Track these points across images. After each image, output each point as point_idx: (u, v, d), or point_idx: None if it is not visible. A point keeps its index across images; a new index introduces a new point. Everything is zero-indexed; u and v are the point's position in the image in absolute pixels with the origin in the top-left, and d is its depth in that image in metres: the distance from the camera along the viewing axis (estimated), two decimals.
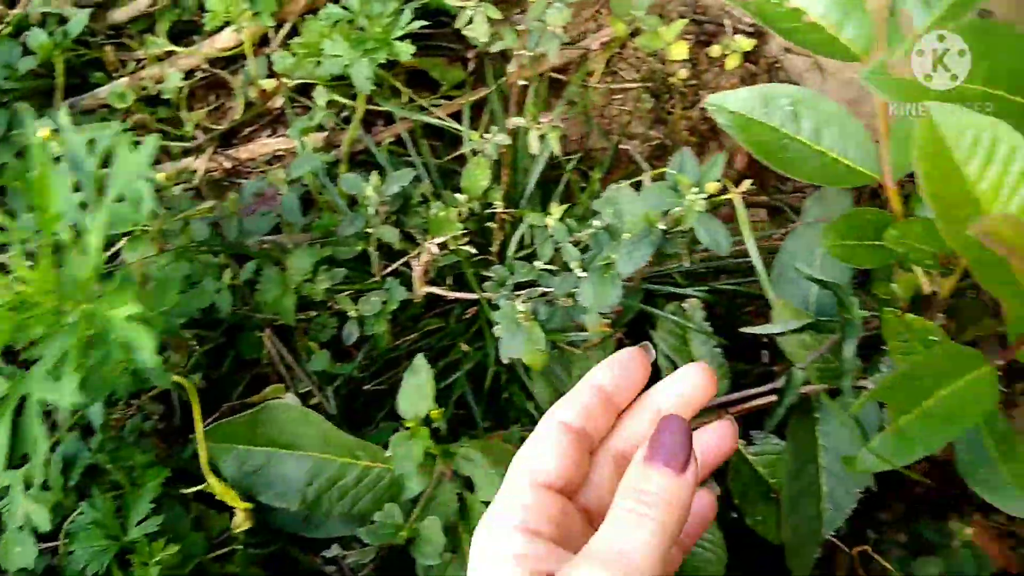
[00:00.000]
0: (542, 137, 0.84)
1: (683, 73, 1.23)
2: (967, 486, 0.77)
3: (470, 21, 0.80)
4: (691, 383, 0.50)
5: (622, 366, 0.50)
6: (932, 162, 0.58)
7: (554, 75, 1.23)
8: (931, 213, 0.58)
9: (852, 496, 0.83)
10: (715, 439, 0.52)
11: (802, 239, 0.87)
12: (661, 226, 0.71)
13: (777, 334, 0.79)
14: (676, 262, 0.94)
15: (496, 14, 0.81)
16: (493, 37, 0.95)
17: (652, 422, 0.47)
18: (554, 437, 0.48)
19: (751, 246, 0.75)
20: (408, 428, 0.78)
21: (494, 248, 1.02)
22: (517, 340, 0.78)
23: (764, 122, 0.79)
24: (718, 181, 0.69)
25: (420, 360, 0.79)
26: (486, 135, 0.91)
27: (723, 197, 0.71)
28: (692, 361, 0.89)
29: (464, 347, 0.93)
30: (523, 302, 0.77)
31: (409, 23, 1.00)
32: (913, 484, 0.94)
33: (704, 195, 0.68)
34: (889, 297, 0.83)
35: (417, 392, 0.77)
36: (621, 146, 1.18)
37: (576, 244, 0.86)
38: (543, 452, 0.48)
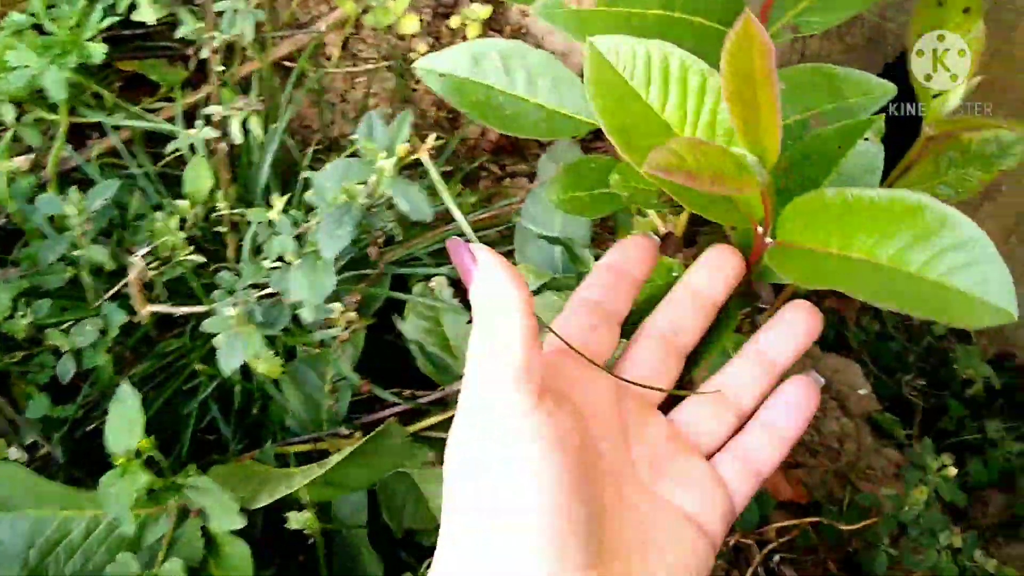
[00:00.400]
0: (244, 123, 0.76)
1: (423, 47, 1.18)
2: None
3: (133, 6, 0.71)
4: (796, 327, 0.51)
5: (629, 245, 0.53)
6: (609, 94, 0.54)
7: (289, 63, 1.15)
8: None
9: None
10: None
11: (540, 199, 0.84)
12: (363, 200, 0.65)
13: None
14: (423, 240, 0.88)
15: None
16: (199, 32, 0.87)
17: (693, 308, 0.52)
18: (571, 307, 0.51)
19: (453, 208, 0.69)
20: (118, 465, 0.69)
21: (231, 253, 0.93)
22: (236, 349, 0.71)
23: (477, 80, 0.74)
24: (407, 143, 0.64)
25: (125, 388, 0.71)
26: (191, 131, 0.82)
27: (412, 158, 0.65)
28: (447, 341, 0.84)
29: (200, 366, 0.84)
30: (233, 306, 0.70)
31: (101, 22, 0.91)
32: None
33: (394, 159, 0.63)
34: None
35: (125, 424, 0.68)
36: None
37: (304, 235, 0.79)
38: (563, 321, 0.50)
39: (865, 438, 1.02)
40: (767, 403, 0.50)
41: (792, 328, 0.51)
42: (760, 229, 0.53)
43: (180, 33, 0.77)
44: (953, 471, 0.79)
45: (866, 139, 0.59)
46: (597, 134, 0.78)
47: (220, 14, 0.81)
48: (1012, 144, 0.66)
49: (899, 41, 1.00)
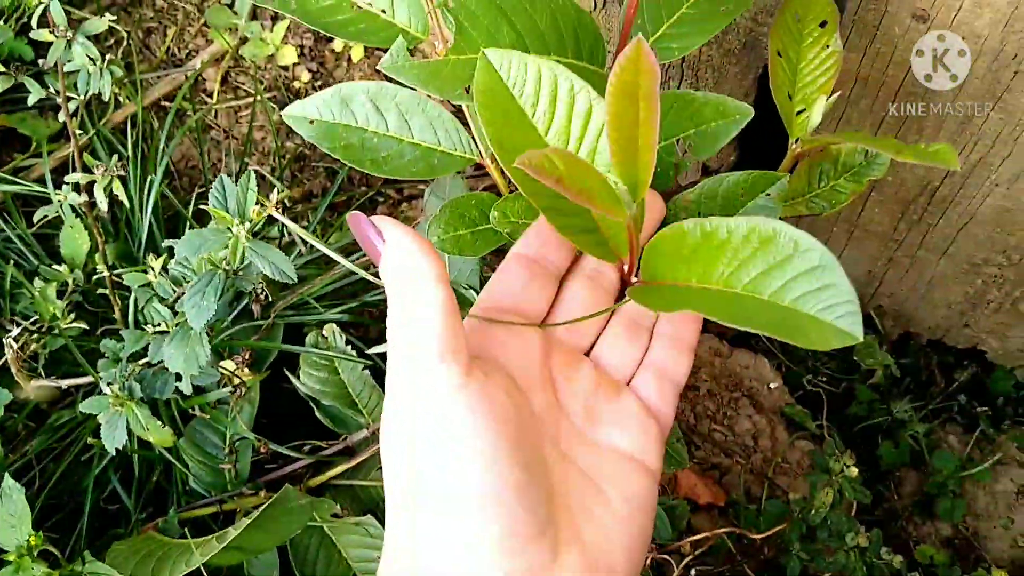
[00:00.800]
0: (106, 189, 0.73)
1: (305, 76, 1.15)
2: None
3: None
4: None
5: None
6: (495, 107, 0.52)
7: (167, 104, 1.12)
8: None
9: None
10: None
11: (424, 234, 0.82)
12: (225, 267, 0.63)
13: None
14: (310, 286, 0.86)
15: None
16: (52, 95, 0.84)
17: None
18: (506, 263, 0.52)
19: (330, 253, 0.68)
20: (12, 562, 0.66)
21: (117, 315, 0.90)
22: (120, 428, 0.68)
23: (348, 124, 0.73)
24: (259, 205, 0.62)
25: (9, 483, 0.68)
26: (58, 194, 0.79)
27: (265, 215, 0.63)
28: (346, 390, 0.83)
29: (92, 440, 0.82)
30: (109, 384, 0.67)
31: None
32: None
33: (248, 224, 0.61)
34: None
35: (13, 520, 0.66)
36: (254, 167, 1.09)
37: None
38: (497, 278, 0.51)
39: (779, 432, 1.03)
40: (662, 316, 0.52)
41: None
42: (626, 268, 0.53)
43: (31, 100, 0.73)
44: (855, 471, 0.81)
45: (767, 194, 0.60)
46: (479, 167, 0.77)
47: (75, 72, 0.77)
48: (877, 155, 0.67)
49: None
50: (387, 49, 0.60)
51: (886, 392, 1.07)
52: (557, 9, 0.58)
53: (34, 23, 0.72)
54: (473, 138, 0.74)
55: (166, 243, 0.66)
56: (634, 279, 0.53)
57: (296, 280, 0.62)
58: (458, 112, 0.76)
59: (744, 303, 0.44)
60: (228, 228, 0.61)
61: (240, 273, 0.63)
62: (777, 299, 0.43)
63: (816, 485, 0.82)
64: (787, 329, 0.42)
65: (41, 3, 0.73)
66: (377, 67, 0.61)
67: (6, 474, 0.68)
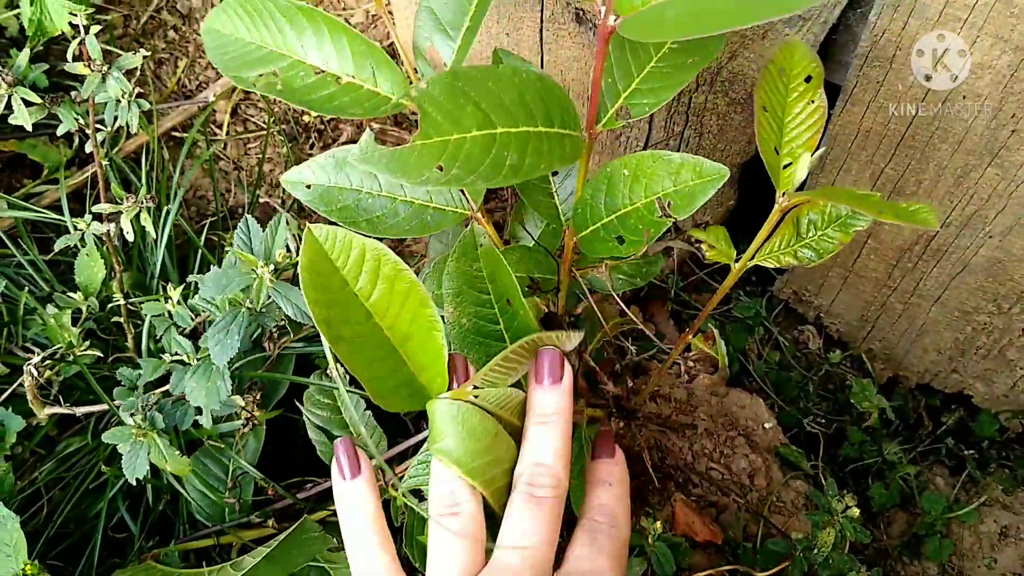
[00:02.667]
0: (136, 220, 0.74)
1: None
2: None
3: (10, 111, 0.69)
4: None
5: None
6: (319, 276, 0.54)
7: (177, 134, 1.13)
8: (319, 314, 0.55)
9: None
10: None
11: (425, 282, 0.84)
12: (248, 306, 0.64)
13: None
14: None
15: (34, 98, 0.70)
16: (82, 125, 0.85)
17: None
18: None
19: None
20: None
21: (130, 343, 0.91)
22: (141, 458, 0.69)
23: (343, 187, 0.73)
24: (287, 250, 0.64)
25: (3, 512, 0.68)
26: (79, 226, 0.80)
27: (293, 260, 0.65)
28: (348, 429, 0.84)
29: (106, 468, 0.82)
30: (133, 415, 0.68)
31: None
32: None
33: (272, 266, 0.62)
34: None
35: (7, 549, 0.66)
36: (263, 199, 1.10)
37: (207, 324, 0.78)
38: None
39: (774, 471, 1.05)
40: None
41: None
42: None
43: (61, 131, 0.74)
44: (856, 512, 0.83)
45: None
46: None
47: (103, 105, 0.79)
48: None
49: None
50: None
51: (877, 434, 1.10)
52: (521, 83, 0.57)
53: (69, 56, 0.73)
54: (464, 193, 0.75)
55: (190, 279, 0.68)
56: None
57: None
58: None
59: None
60: (253, 269, 0.62)
61: (262, 310, 0.64)
62: None
63: (818, 524, 0.84)
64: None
65: (76, 36, 0.75)
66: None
67: (0, 503, 0.68)
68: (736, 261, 0.74)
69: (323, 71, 0.60)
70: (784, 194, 0.67)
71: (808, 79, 0.70)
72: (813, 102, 0.70)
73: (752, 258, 0.72)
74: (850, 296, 1.08)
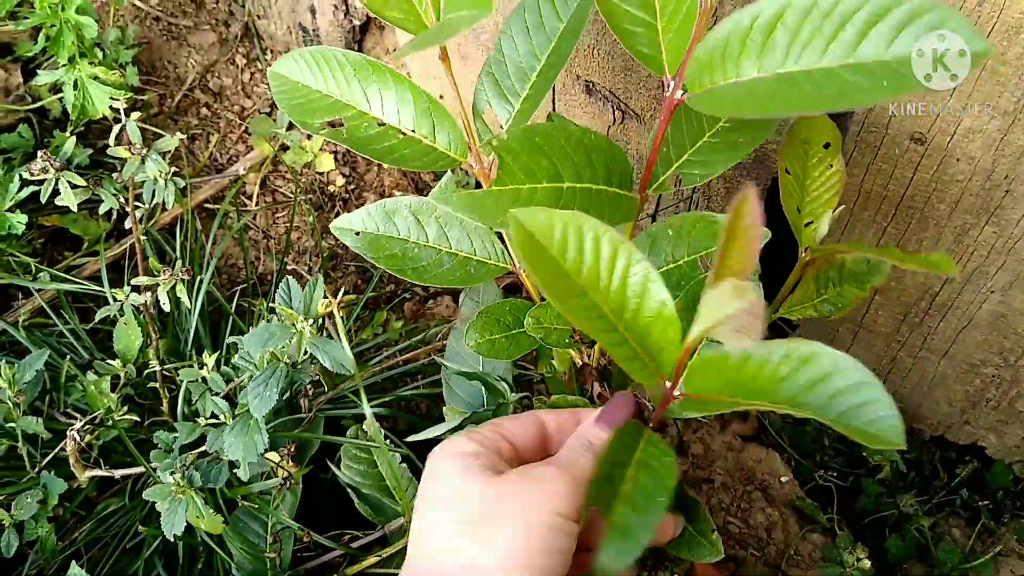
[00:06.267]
0: (172, 291, 0.79)
1: (340, 180, 1.22)
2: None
3: (56, 193, 0.74)
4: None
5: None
6: (533, 259, 0.58)
7: (209, 206, 1.19)
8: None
9: None
10: None
11: (460, 335, 0.88)
12: (287, 360, 0.68)
13: (439, 436, 0.78)
14: (350, 381, 0.91)
15: (80, 181, 0.75)
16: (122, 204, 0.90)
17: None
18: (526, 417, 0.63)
19: (344, 353, 0.73)
20: None
21: (165, 407, 0.95)
22: (179, 515, 0.73)
23: (391, 236, 0.78)
24: (324, 299, 0.68)
25: (75, 571, 0.72)
26: (118, 297, 0.85)
27: (330, 310, 0.69)
28: (383, 482, 0.87)
29: (142, 528, 0.86)
30: (171, 473, 0.72)
31: (18, 192, 0.93)
32: None
33: (311, 320, 0.66)
34: (551, 373, 0.85)
35: None
36: (291, 266, 1.15)
37: (237, 390, 0.82)
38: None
39: (791, 525, 1.07)
40: None
41: None
42: (668, 384, 0.58)
43: (103, 209, 0.80)
44: (868, 564, 0.85)
45: None
46: (511, 273, 0.83)
47: (141, 183, 0.84)
48: (879, 263, 0.73)
49: None
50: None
51: (892, 486, 1.11)
52: (590, 144, 0.63)
53: (111, 140, 0.78)
54: (507, 247, 0.80)
55: (231, 339, 0.72)
56: (676, 393, 0.58)
57: (352, 372, 0.67)
58: None
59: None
60: (293, 324, 0.66)
61: (299, 366, 0.68)
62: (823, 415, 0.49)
63: None
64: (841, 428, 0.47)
65: (116, 117, 0.81)
66: (413, 178, 0.67)
67: (73, 562, 0.72)
68: None
69: (385, 124, 0.65)
70: (807, 249, 0.72)
71: (827, 145, 0.75)
72: (832, 166, 0.75)
73: (776, 311, 0.76)
74: (861, 350, 1.11)
